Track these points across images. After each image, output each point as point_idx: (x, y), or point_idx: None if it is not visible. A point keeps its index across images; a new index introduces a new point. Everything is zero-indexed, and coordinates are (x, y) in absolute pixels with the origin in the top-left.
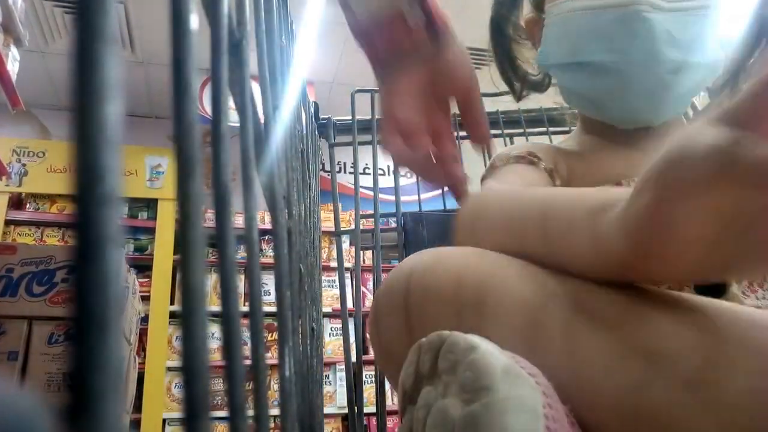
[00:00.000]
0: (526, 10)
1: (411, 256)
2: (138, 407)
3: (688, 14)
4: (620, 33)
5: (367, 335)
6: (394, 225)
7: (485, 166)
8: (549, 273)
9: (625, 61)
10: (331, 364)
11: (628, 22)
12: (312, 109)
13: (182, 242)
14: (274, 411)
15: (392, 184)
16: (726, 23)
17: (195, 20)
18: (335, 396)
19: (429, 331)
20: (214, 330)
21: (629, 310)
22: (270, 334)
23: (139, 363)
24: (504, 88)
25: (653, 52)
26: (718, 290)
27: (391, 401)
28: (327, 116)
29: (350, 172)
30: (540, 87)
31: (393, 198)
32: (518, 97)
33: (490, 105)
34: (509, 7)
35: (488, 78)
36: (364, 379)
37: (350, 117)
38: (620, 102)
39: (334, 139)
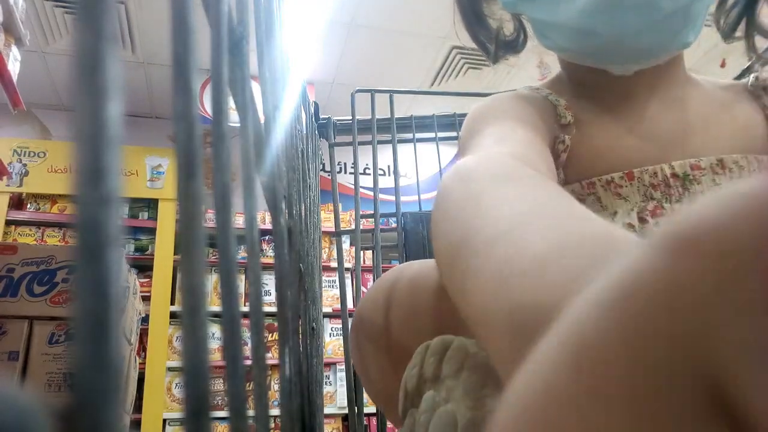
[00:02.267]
0: None
1: (392, 269)
2: (138, 407)
3: None
4: None
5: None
6: (394, 225)
7: None
8: None
9: None
10: (331, 364)
11: None
12: (312, 109)
13: (182, 242)
14: (274, 411)
15: (392, 184)
16: None
17: (195, 20)
18: (335, 396)
19: (411, 343)
20: (214, 330)
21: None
22: (270, 334)
23: (139, 363)
24: (504, 88)
25: None
26: None
27: None
28: (327, 116)
29: (350, 173)
30: (515, 46)
31: (393, 198)
32: (494, 60)
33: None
34: None
35: (488, 79)
36: None
37: (350, 117)
38: (609, 22)
39: (334, 139)
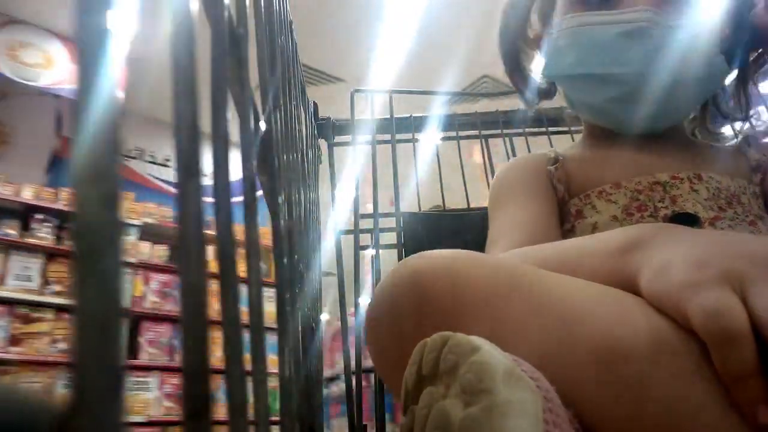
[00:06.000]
0: (534, 23)
1: (409, 257)
2: None
3: (689, 30)
4: (626, 47)
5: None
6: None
7: (485, 166)
8: (547, 275)
9: (629, 72)
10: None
11: (633, 36)
12: (312, 109)
13: (182, 242)
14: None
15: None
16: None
17: (195, 19)
18: None
19: (433, 333)
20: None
21: (626, 311)
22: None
23: None
24: (502, 88)
25: (656, 64)
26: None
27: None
28: (327, 116)
29: None
30: (549, 94)
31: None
32: (529, 104)
33: (489, 105)
34: (519, 19)
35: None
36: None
37: (350, 117)
38: (623, 111)
39: (334, 139)
